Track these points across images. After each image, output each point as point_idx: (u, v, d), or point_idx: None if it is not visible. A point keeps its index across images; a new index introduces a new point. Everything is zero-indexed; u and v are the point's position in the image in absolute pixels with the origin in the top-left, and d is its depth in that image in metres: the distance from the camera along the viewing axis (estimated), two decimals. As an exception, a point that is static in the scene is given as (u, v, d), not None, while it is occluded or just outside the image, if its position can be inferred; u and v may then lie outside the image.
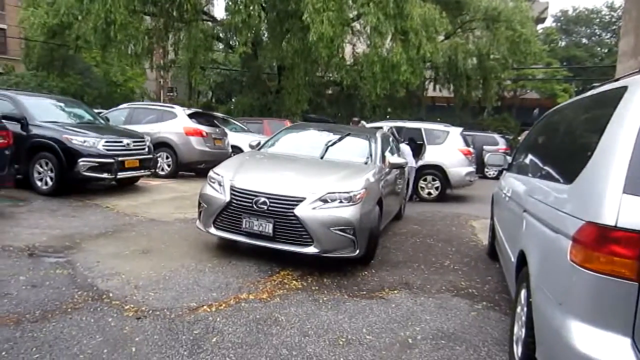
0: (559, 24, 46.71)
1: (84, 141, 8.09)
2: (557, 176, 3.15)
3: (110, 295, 4.07)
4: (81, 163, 7.92)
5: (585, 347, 2.06)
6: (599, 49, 45.48)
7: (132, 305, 3.87)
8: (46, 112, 8.74)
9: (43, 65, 24.29)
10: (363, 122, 12.77)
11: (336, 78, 21.09)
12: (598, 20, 46.28)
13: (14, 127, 7.50)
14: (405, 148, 10.54)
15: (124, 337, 3.32)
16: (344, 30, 18.30)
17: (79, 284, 4.29)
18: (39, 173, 8.10)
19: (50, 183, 8.07)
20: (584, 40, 46.56)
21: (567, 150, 3.32)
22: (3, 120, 6.80)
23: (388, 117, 21.37)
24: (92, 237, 5.86)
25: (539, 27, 37.58)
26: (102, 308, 3.79)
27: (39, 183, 8.11)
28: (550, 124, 4.49)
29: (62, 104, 9.78)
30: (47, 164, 8.02)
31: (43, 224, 6.27)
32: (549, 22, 44.61)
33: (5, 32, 39.91)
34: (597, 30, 47.09)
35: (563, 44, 44.57)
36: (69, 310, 3.70)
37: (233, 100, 32.46)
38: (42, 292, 4.00)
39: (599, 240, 2.10)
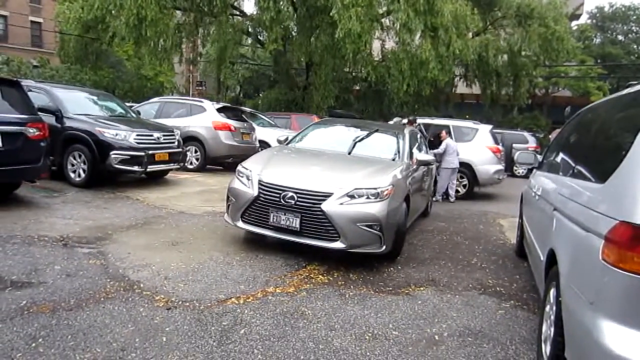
0: (594, 20, 45.58)
1: (116, 134, 8.25)
2: (589, 175, 3.10)
3: (141, 285, 4.16)
4: (113, 155, 8.08)
5: (617, 347, 2.04)
6: (635, 46, 44.27)
7: (162, 296, 3.95)
8: (80, 105, 8.93)
9: (77, 59, 24.81)
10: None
11: (363, 74, 21.01)
12: (635, 17, 44.97)
13: (49, 119, 7.67)
14: (452, 145, 10.44)
15: (155, 327, 3.39)
16: (372, 27, 18.22)
17: (111, 274, 4.39)
18: (73, 165, 8.29)
19: (83, 175, 8.25)
20: (620, 38, 45.34)
21: (600, 149, 3.27)
22: (39, 113, 6.96)
23: (415, 113, 21.23)
24: (123, 229, 5.98)
25: (574, 23, 36.77)
26: (133, 298, 3.88)
27: (72, 175, 8.30)
28: (584, 123, 4.41)
29: (94, 97, 9.97)
30: (80, 156, 8.20)
31: (76, 215, 6.43)
32: (584, 19, 43.63)
33: (41, 25, 41.02)
34: (634, 27, 45.77)
35: (598, 41, 43.48)
36: (102, 299, 3.80)
37: (261, 95, 32.66)
38: (76, 282, 4.11)
39: (633, 240, 2.07)
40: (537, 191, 4.84)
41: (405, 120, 12.06)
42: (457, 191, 11.28)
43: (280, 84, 25.01)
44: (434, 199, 10.50)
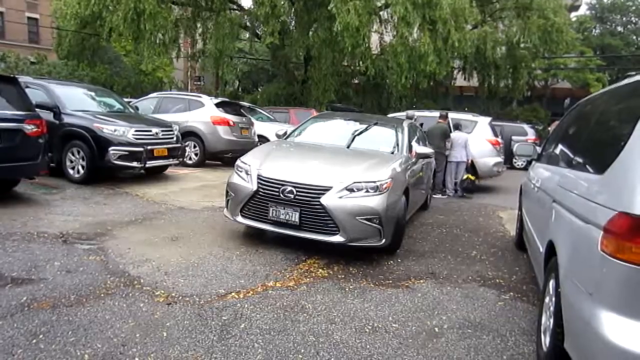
0: (593, 11, 45.40)
1: (115, 130, 8.22)
2: (588, 166, 3.10)
3: (142, 281, 4.16)
4: (111, 151, 8.06)
5: (616, 338, 2.05)
6: (634, 37, 44.12)
7: (162, 291, 3.95)
8: (78, 101, 8.89)
9: (74, 55, 24.66)
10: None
11: (362, 68, 20.98)
12: (634, 8, 44.77)
13: (47, 115, 7.65)
14: (455, 138, 10.37)
15: (155, 322, 3.40)
16: (370, 20, 18.16)
17: (111, 270, 4.40)
18: (71, 161, 8.27)
19: (81, 171, 8.23)
20: (619, 29, 45.16)
21: (599, 140, 3.27)
22: (37, 109, 6.94)
23: (414, 106, 21.19)
24: (123, 225, 5.98)
25: (573, 15, 36.66)
26: (133, 294, 3.88)
27: (71, 171, 8.28)
28: (583, 114, 4.41)
29: (92, 93, 9.93)
30: (78, 152, 8.18)
31: (76, 211, 6.42)
32: (582, 10, 43.48)
33: (37, 21, 40.93)
34: (633, 18, 45.57)
35: (597, 32, 43.33)
36: (102, 295, 3.80)
37: (259, 89, 32.60)
38: (76, 278, 4.12)
39: (631, 231, 2.07)
40: (536, 183, 4.84)
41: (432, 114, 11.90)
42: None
43: (279, 79, 25.01)
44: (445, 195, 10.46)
